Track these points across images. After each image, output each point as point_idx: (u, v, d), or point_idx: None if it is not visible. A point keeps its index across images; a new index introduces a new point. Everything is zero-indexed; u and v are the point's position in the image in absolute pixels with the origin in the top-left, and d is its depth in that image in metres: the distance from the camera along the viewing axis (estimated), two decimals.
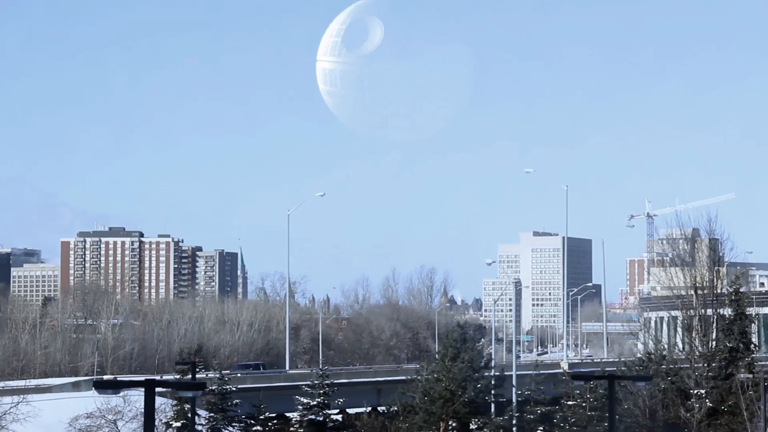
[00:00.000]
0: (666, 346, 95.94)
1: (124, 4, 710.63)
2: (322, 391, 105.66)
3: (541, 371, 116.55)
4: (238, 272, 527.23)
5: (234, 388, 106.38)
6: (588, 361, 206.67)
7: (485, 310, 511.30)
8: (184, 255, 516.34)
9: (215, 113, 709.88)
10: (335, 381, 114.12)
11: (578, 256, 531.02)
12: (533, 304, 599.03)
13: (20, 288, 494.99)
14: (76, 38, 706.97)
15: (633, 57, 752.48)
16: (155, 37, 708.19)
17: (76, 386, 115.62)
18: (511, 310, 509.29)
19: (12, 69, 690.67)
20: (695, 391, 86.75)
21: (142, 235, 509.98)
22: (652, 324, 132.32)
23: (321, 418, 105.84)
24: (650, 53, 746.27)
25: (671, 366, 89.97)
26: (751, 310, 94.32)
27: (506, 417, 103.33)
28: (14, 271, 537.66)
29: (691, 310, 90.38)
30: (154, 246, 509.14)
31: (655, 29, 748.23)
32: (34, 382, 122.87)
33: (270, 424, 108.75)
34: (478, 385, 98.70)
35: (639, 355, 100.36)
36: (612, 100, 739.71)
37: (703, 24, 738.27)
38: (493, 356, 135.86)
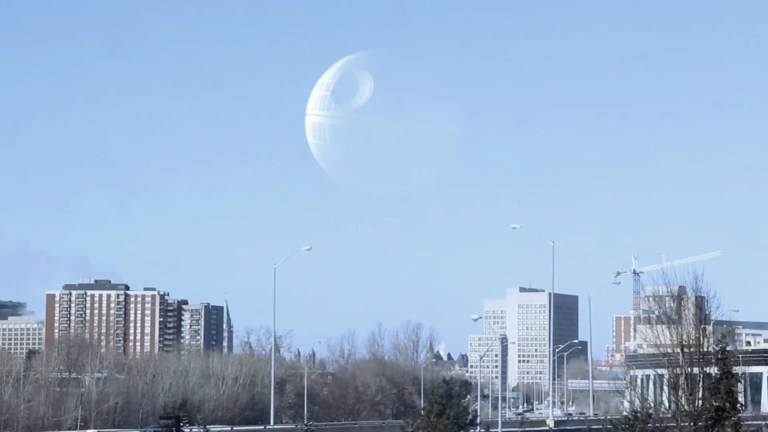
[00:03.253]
0: (652, 404, 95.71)
1: (115, 59, 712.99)
2: None
3: (527, 428, 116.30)
4: (224, 326, 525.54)
5: None
6: (574, 418, 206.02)
7: (471, 366, 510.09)
8: (169, 308, 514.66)
9: (204, 168, 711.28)
10: None
11: (565, 312, 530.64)
12: (519, 360, 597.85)
13: (4, 340, 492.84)
14: (61, 89, 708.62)
15: (622, 118, 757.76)
16: (142, 92, 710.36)
17: None
18: (497, 366, 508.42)
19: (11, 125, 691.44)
20: None
21: (127, 288, 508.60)
22: (639, 382, 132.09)
23: None
24: (639, 115, 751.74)
25: (657, 425, 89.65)
26: (738, 369, 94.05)
27: None
28: None
29: (678, 369, 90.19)
30: (139, 299, 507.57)
31: (645, 92, 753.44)
32: None
33: None
34: None
35: (625, 414, 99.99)
36: (600, 160, 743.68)
37: (690, 84, 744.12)
38: (478, 413, 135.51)
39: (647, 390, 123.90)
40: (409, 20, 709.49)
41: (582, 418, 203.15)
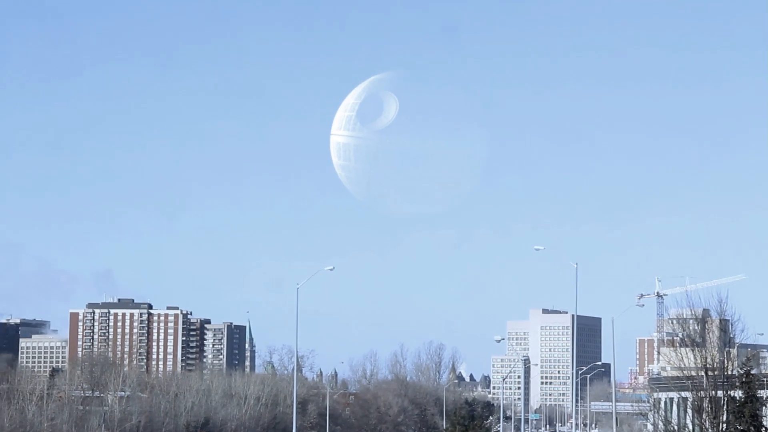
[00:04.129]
0: (676, 427, 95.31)
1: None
2: None
3: None
4: (246, 345, 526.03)
5: None
6: None
7: (494, 387, 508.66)
8: (192, 327, 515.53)
9: (228, 187, 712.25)
10: None
11: (588, 334, 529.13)
12: (542, 382, 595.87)
13: (28, 359, 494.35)
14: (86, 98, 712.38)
15: (646, 140, 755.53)
16: (162, 104, 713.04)
17: None
18: (519, 387, 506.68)
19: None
20: None
21: (150, 306, 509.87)
22: (662, 405, 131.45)
23: None
24: (662, 136, 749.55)
25: None
26: (762, 393, 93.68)
27: None
28: (23, 342, 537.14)
29: (702, 392, 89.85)
30: (162, 318, 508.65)
31: (665, 108, 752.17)
32: None
33: None
34: None
35: None
36: (623, 182, 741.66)
37: (712, 101, 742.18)
38: None
39: (671, 413, 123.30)
40: (438, 41, 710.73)
41: None
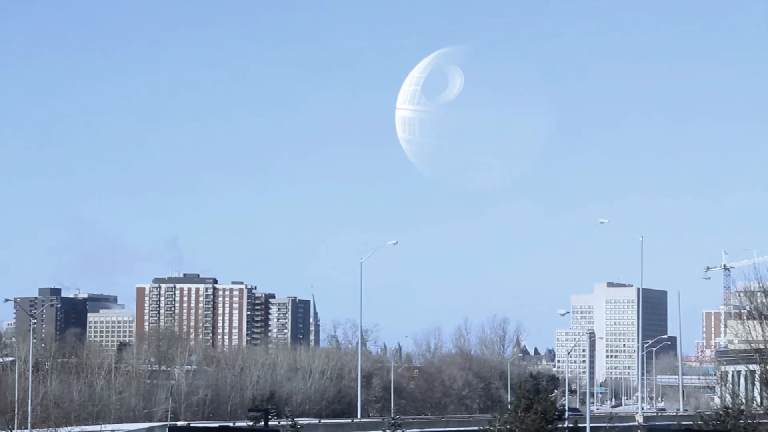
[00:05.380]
0: (744, 400, 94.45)
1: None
2: None
3: (616, 424, 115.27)
4: (311, 320, 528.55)
5: None
6: (663, 414, 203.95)
7: (558, 361, 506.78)
8: (257, 302, 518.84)
9: (294, 162, 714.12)
10: (407, 430, 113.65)
11: (653, 307, 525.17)
12: (607, 356, 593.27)
13: (96, 333, 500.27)
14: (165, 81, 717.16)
15: (713, 119, 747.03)
16: (230, 88, 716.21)
17: None
18: (584, 361, 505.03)
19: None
20: None
21: (215, 281, 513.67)
22: (729, 378, 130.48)
23: None
24: (731, 114, 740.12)
25: (749, 421, 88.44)
26: None
27: None
28: (90, 317, 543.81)
29: None
30: (227, 293, 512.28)
31: (737, 93, 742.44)
32: (109, 428, 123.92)
33: None
34: None
35: (716, 409, 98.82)
36: (690, 157, 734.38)
37: None
38: (566, 407, 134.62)
39: (738, 386, 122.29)
40: (501, 14, 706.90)
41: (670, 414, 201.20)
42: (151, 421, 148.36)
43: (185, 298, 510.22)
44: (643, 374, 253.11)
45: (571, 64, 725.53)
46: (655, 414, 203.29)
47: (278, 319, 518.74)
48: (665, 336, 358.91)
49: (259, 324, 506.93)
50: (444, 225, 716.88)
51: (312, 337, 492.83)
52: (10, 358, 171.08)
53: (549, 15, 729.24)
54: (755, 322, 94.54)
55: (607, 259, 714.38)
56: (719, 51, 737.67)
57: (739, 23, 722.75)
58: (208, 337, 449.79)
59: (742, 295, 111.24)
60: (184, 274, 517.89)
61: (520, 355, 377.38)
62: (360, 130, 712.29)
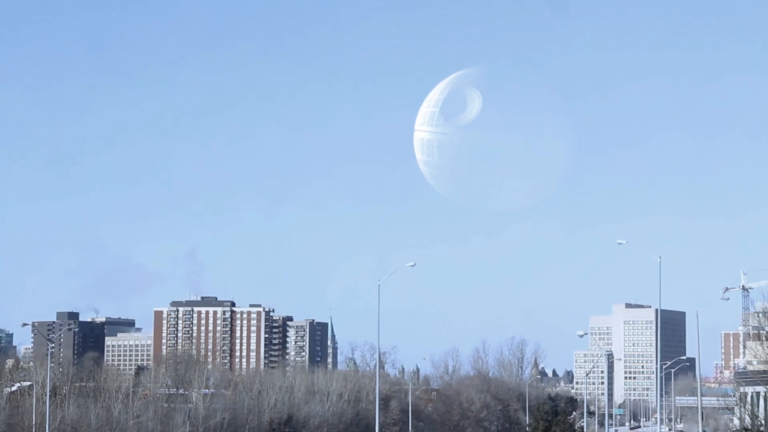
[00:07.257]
0: (763, 421, 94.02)
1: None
2: None
3: None
4: (328, 342, 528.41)
5: None
6: None
7: (576, 383, 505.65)
8: (274, 325, 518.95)
9: (312, 183, 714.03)
10: None
11: (671, 328, 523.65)
12: (625, 377, 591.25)
13: (114, 357, 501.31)
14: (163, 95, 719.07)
15: (727, 137, 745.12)
16: (251, 109, 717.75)
17: None
18: (603, 382, 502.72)
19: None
20: None
21: (233, 304, 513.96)
22: (749, 399, 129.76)
23: None
24: (747, 127, 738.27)
25: None
26: None
27: None
28: (108, 341, 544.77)
29: None
30: (245, 316, 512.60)
31: (759, 110, 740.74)
32: None
33: None
34: None
35: (735, 430, 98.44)
36: (708, 177, 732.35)
37: None
38: (585, 429, 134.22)
39: (757, 407, 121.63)
40: (518, 35, 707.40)
41: None
42: None
43: (203, 321, 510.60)
44: (661, 396, 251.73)
45: (590, 83, 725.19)
46: None
47: (296, 342, 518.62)
48: (684, 357, 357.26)
49: (276, 347, 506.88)
50: (462, 245, 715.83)
51: (330, 359, 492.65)
52: (28, 383, 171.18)
53: (567, 35, 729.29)
54: None
55: (626, 279, 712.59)
56: (737, 69, 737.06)
57: (758, 42, 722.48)
58: (226, 360, 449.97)
59: (761, 315, 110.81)
60: (202, 298, 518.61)
61: (539, 376, 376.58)
62: (378, 151, 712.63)
